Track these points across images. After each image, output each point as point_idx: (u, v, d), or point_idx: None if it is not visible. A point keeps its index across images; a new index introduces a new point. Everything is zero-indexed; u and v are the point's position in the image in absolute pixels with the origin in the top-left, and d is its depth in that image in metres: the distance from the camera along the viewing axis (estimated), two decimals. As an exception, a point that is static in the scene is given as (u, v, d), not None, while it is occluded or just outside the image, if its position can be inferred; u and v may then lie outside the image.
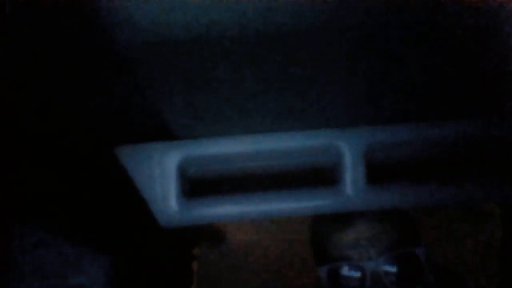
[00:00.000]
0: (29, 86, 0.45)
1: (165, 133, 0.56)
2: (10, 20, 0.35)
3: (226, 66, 0.42)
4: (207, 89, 0.46)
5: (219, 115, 0.53)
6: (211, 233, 1.02)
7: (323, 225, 0.73)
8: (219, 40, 0.38)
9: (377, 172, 0.59)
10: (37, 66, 0.42)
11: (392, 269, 0.64)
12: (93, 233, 0.70)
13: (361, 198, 0.58)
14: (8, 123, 0.52)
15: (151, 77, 0.44)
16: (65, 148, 0.60)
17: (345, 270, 0.66)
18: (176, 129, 0.56)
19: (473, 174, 0.60)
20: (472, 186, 0.59)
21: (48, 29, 0.37)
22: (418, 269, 0.66)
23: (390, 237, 0.67)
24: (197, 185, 0.62)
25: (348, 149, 0.57)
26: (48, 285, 0.61)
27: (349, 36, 0.40)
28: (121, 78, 0.44)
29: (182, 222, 0.59)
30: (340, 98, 0.51)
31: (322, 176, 0.62)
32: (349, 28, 0.38)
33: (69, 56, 0.41)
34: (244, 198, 0.59)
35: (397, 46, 0.42)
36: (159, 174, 0.57)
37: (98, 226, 0.71)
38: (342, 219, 0.69)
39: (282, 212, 0.60)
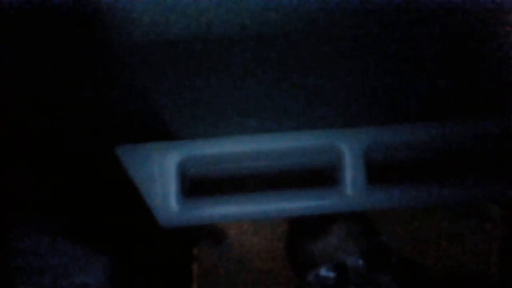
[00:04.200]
0: (28, 86, 0.45)
1: (165, 133, 0.56)
2: (10, 20, 0.35)
3: (226, 66, 0.42)
4: (207, 89, 0.46)
5: (219, 115, 0.53)
6: (211, 233, 1.02)
7: (301, 238, 0.82)
8: (219, 40, 0.38)
9: (377, 172, 0.59)
10: (37, 66, 0.42)
11: (368, 259, 0.73)
12: (93, 233, 0.70)
13: (361, 198, 0.58)
14: (8, 122, 0.52)
15: (151, 77, 0.44)
16: (65, 148, 0.60)
17: (331, 270, 0.74)
18: (176, 129, 0.56)
19: (473, 174, 0.60)
20: (472, 186, 0.59)
21: (48, 29, 0.37)
22: (387, 255, 0.76)
23: (358, 233, 0.76)
24: (197, 185, 0.62)
25: (348, 149, 0.57)
26: (51, 285, 0.61)
27: (349, 35, 0.40)
28: (121, 78, 0.44)
29: (182, 222, 0.59)
30: (340, 98, 0.51)
31: (322, 176, 0.62)
32: (349, 28, 0.38)
33: (69, 56, 0.41)
34: (244, 198, 0.59)
35: (397, 46, 0.42)
36: (159, 174, 0.57)
37: (97, 226, 0.71)
38: (316, 228, 0.79)
39: (282, 212, 0.60)
